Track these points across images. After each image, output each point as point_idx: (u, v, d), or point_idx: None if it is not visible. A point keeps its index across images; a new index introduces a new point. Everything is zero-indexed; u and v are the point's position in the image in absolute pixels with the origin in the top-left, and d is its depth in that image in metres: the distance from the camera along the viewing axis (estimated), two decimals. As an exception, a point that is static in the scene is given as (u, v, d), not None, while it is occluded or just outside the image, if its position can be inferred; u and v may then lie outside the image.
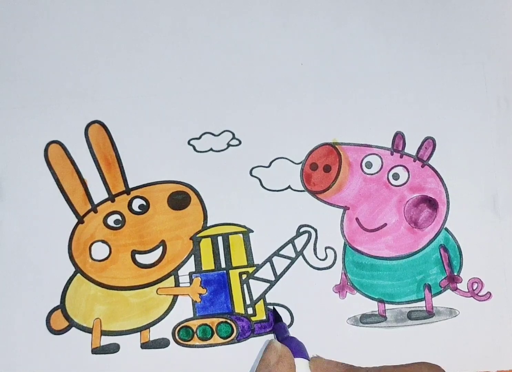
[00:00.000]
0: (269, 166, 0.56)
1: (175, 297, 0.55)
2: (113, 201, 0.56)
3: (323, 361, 0.48)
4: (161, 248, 0.55)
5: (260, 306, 0.55)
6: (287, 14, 0.57)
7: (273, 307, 0.54)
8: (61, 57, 0.57)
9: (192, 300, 0.55)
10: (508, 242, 0.54)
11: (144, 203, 0.56)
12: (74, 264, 0.55)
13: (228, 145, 0.56)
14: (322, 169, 0.56)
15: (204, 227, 0.55)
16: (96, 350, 0.54)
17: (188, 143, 0.56)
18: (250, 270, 0.55)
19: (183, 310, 0.55)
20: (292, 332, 0.54)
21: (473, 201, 0.55)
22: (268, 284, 0.55)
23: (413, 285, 0.55)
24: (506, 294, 0.54)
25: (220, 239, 0.55)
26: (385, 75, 0.56)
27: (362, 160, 0.56)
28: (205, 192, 0.56)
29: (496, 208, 0.55)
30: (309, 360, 0.48)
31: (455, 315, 0.54)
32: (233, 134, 0.56)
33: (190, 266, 0.55)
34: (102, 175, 0.56)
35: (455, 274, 0.55)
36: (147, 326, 0.55)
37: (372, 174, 0.56)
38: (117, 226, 0.56)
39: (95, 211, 0.56)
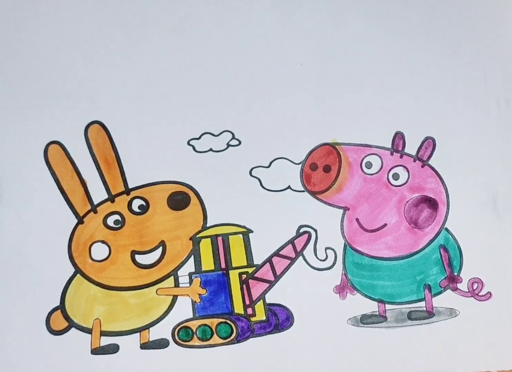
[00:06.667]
0: (269, 166, 0.56)
1: (174, 298, 0.55)
2: (112, 201, 0.56)
3: None
4: (160, 248, 0.55)
5: (259, 306, 0.55)
6: (287, 14, 0.57)
7: None
8: (61, 58, 0.57)
9: (192, 300, 0.55)
10: (508, 242, 0.54)
11: (143, 203, 0.56)
12: (74, 264, 0.55)
13: (228, 145, 0.56)
14: (322, 169, 0.56)
15: (204, 228, 0.55)
16: (96, 351, 0.54)
17: (188, 143, 0.56)
18: (250, 270, 0.55)
19: (183, 310, 0.55)
20: (293, 332, 0.54)
21: (473, 201, 0.55)
22: (268, 285, 0.55)
23: (413, 285, 0.55)
24: (506, 294, 0.54)
25: (220, 239, 0.55)
26: (385, 75, 0.56)
27: (362, 160, 0.56)
28: (204, 192, 0.56)
29: (496, 208, 0.55)
30: None
31: (455, 315, 0.54)
32: (233, 134, 0.56)
33: (189, 266, 0.55)
34: (101, 176, 0.56)
35: (455, 274, 0.54)
36: (147, 327, 0.55)
37: (372, 174, 0.56)
38: (117, 226, 0.56)
39: (95, 212, 0.56)
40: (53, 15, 0.57)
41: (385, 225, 0.55)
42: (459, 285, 0.54)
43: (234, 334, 0.54)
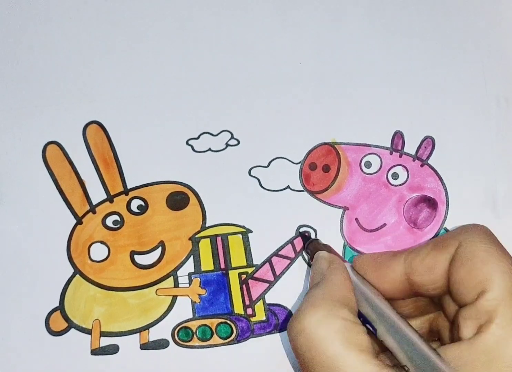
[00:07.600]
0: (268, 166, 0.56)
1: (174, 298, 0.55)
2: (111, 201, 0.56)
3: (366, 257, 0.49)
4: (160, 248, 0.55)
5: (259, 306, 0.55)
6: (286, 13, 0.56)
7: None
8: (59, 58, 0.56)
9: (192, 300, 0.55)
10: (508, 242, 0.54)
11: (142, 203, 0.55)
12: (73, 265, 0.55)
13: (227, 145, 0.56)
14: (321, 169, 0.55)
15: (203, 228, 0.55)
16: (96, 351, 0.54)
17: (187, 143, 0.56)
18: (250, 270, 0.55)
19: (183, 310, 0.55)
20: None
21: (473, 201, 0.55)
22: (267, 285, 0.55)
23: (412, 285, 0.55)
24: (506, 294, 0.54)
25: (219, 239, 0.55)
26: (384, 74, 0.56)
27: (361, 159, 0.56)
28: (203, 192, 0.56)
29: (496, 208, 0.55)
30: (350, 263, 0.50)
31: (454, 315, 0.54)
32: (232, 134, 0.56)
33: (189, 266, 0.55)
34: (100, 176, 0.56)
35: (455, 274, 0.54)
36: (147, 327, 0.54)
37: (371, 174, 0.56)
38: (116, 226, 0.55)
39: (94, 212, 0.56)
40: (53, 15, 0.56)
41: (384, 225, 0.55)
42: (458, 285, 0.54)
43: (234, 334, 0.54)
